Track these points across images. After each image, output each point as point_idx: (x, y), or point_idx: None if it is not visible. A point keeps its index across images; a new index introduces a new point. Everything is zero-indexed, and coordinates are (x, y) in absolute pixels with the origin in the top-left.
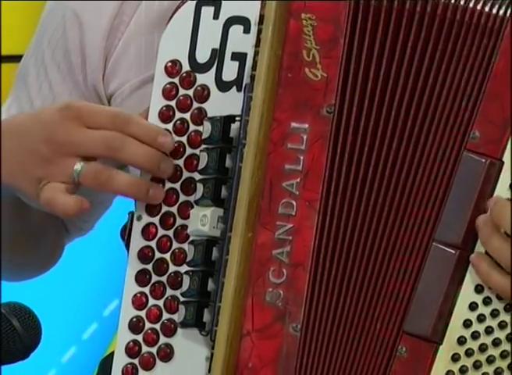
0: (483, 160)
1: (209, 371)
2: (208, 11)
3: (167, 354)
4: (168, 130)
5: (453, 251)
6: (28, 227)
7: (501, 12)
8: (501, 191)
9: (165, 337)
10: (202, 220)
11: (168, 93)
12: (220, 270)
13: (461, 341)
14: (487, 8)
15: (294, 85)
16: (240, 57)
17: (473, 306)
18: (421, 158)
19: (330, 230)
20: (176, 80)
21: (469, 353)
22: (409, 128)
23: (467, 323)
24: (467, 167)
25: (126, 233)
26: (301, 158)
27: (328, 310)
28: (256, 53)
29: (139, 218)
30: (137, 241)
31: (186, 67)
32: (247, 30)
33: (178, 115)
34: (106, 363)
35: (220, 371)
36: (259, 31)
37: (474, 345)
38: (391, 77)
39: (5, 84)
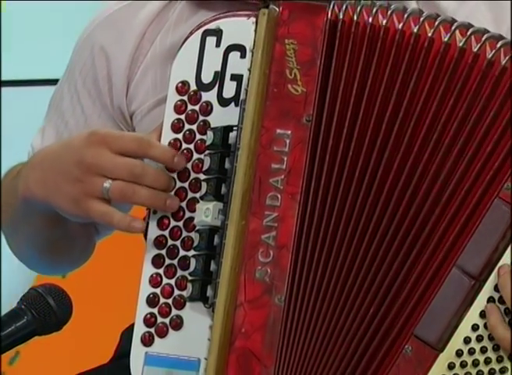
0: (509, 210)
1: None
2: (211, 40)
3: (178, 324)
4: (178, 139)
5: (468, 281)
6: (65, 233)
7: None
8: None
9: (176, 309)
10: (206, 212)
11: (178, 108)
12: (220, 253)
13: (459, 353)
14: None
15: (279, 98)
16: (237, 78)
17: (475, 327)
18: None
19: (311, 218)
20: (185, 98)
21: (463, 365)
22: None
23: (466, 340)
24: (496, 212)
25: (144, 225)
26: (285, 158)
27: (312, 284)
28: (249, 73)
29: (155, 212)
30: (153, 231)
31: (193, 87)
32: (243, 56)
33: (187, 126)
34: (127, 334)
35: (218, 336)
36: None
37: (468, 359)
38: (364, 94)
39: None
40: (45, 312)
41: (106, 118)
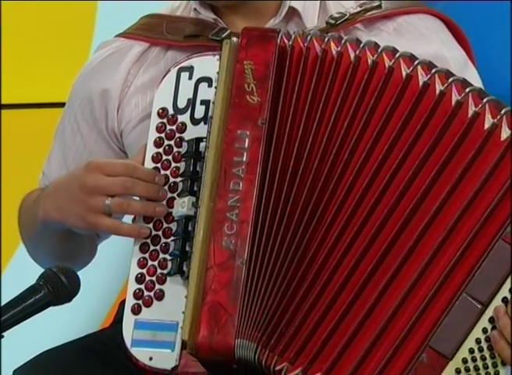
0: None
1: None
2: (185, 74)
3: (160, 296)
4: (159, 152)
5: (477, 306)
6: (75, 244)
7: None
8: None
9: (159, 284)
10: (182, 205)
11: (159, 129)
12: (193, 235)
13: (464, 360)
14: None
15: (239, 106)
16: (205, 102)
17: (478, 340)
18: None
19: (266, 199)
20: (165, 120)
21: (467, 369)
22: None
23: (471, 350)
24: (500, 251)
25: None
26: (244, 153)
27: (269, 250)
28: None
29: None
30: (140, 224)
31: (171, 111)
32: (210, 85)
33: (166, 142)
34: (122, 304)
35: (193, 292)
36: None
37: (471, 365)
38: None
39: (5, 131)
40: (59, 287)
41: (101, 141)
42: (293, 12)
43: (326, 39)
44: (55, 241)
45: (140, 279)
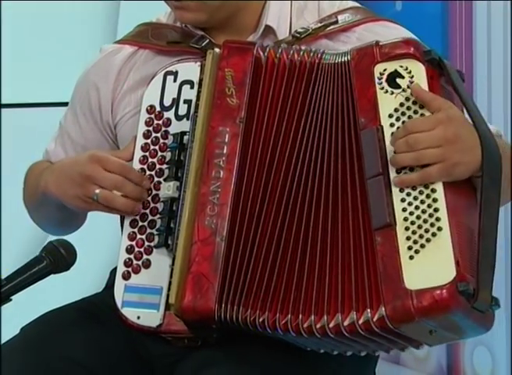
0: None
1: (173, 263)
2: (170, 78)
3: (147, 264)
4: (147, 143)
5: (379, 179)
6: (68, 213)
7: None
8: None
9: (146, 255)
10: (168, 188)
11: (148, 123)
12: (177, 214)
13: (405, 218)
14: None
15: (221, 107)
16: (188, 102)
17: (404, 199)
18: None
19: (244, 185)
20: (152, 116)
21: (412, 223)
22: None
23: (404, 209)
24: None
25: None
26: (225, 146)
27: (244, 228)
28: (197, 97)
29: None
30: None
31: (158, 108)
32: (192, 87)
33: (153, 134)
34: (113, 271)
35: (180, 261)
36: (199, 86)
37: (414, 218)
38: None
39: (5, 130)
40: (58, 258)
41: (96, 131)
42: (268, 30)
43: (291, 51)
44: (52, 209)
45: (129, 250)
